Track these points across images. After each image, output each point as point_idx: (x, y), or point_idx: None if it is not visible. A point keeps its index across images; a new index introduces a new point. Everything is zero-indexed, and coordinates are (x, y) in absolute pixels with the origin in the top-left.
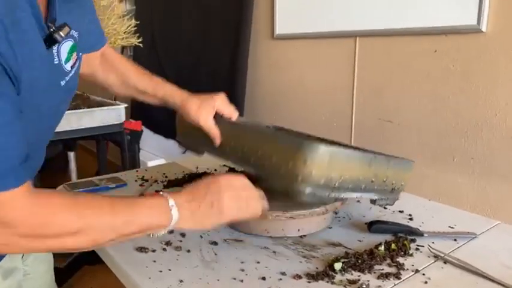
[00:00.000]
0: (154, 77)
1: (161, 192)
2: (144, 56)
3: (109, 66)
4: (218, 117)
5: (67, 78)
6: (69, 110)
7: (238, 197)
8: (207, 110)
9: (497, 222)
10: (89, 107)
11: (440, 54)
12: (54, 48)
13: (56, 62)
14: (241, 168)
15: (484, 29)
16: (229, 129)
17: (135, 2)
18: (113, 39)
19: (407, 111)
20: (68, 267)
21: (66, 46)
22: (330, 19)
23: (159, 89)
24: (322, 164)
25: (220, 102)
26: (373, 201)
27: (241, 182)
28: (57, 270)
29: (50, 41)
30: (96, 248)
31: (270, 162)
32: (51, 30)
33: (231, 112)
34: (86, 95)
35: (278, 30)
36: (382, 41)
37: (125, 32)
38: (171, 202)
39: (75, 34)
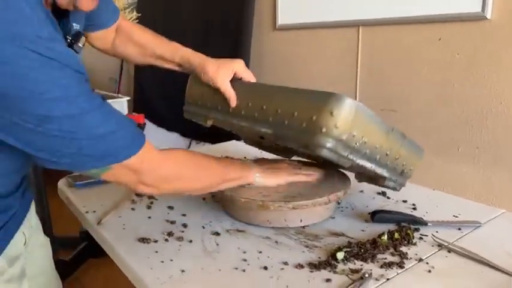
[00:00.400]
0: (172, 42)
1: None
2: None
3: (126, 38)
4: (235, 81)
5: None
6: None
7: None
8: (225, 70)
9: (502, 211)
10: None
11: (445, 43)
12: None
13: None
14: (255, 132)
15: (488, 16)
16: (247, 90)
17: None
18: None
19: (411, 101)
20: (73, 260)
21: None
22: (332, 8)
23: (176, 53)
24: (347, 116)
25: (240, 66)
26: (382, 179)
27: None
28: (62, 262)
29: None
30: (208, 191)
31: (291, 118)
32: (70, 42)
33: (249, 77)
34: None
35: (280, 21)
36: (385, 30)
37: None
38: (251, 163)
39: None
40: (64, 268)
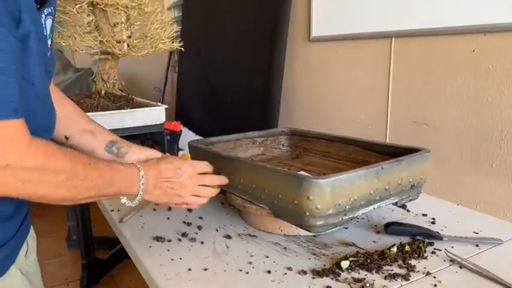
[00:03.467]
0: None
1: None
2: (189, 61)
3: (61, 98)
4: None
5: (49, 53)
6: (112, 110)
7: (197, 182)
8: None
9: None
10: (132, 108)
11: (479, 54)
12: (42, 18)
13: (45, 33)
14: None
15: None
16: (232, 166)
17: (182, 9)
18: (155, 44)
19: (443, 114)
20: (109, 259)
21: (49, 22)
22: (365, 20)
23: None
24: (325, 196)
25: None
26: (394, 203)
27: (202, 167)
28: (99, 261)
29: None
30: (73, 202)
31: (278, 198)
32: None
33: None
34: (131, 96)
35: (314, 33)
36: (417, 41)
37: (167, 37)
38: (141, 173)
39: (52, 12)
40: (100, 267)
